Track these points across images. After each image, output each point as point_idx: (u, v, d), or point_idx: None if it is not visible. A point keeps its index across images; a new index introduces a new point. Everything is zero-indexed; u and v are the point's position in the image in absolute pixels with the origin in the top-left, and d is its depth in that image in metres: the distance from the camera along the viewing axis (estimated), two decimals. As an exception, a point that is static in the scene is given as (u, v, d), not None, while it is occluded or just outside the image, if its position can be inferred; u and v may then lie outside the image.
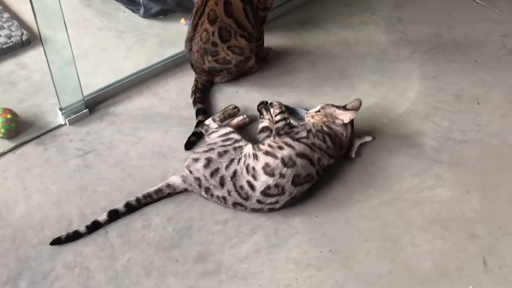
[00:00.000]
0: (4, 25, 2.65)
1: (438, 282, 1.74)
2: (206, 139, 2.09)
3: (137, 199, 1.92)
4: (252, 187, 1.86)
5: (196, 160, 1.95)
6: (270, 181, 1.86)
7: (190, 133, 2.18)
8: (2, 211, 1.92)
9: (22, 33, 2.62)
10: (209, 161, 1.92)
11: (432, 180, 2.04)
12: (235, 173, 1.89)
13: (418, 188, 2.01)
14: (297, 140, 1.95)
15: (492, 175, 2.06)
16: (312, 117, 2.05)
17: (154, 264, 1.78)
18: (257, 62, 2.48)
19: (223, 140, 2.01)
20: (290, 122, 2.07)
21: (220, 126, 2.09)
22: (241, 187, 1.87)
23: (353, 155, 2.10)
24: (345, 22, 2.81)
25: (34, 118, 2.25)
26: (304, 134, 1.98)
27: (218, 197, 1.90)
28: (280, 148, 1.91)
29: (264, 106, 2.22)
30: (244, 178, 1.87)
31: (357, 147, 2.10)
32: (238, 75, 2.44)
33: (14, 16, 2.76)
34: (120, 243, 1.83)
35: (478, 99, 2.38)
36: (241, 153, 1.94)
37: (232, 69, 2.38)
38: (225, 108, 2.24)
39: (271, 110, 2.13)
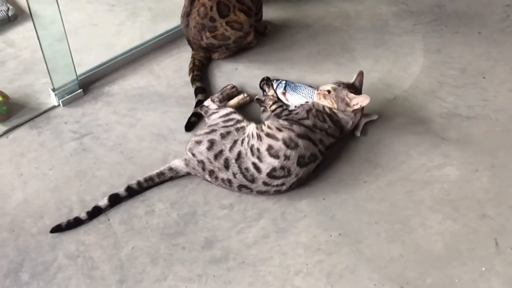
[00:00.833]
0: (-12, 0, 2.52)
1: (450, 264, 1.71)
2: (207, 120, 2.02)
3: (139, 183, 1.86)
4: (258, 169, 1.81)
5: (198, 142, 1.88)
6: (276, 163, 1.80)
7: (190, 113, 2.10)
8: (-2, 199, 1.84)
9: (8, 8, 2.49)
10: (212, 143, 1.86)
11: (440, 158, 1.99)
12: (239, 154, 1.83)
13: (426, 167, 1.97)
14: (297, 121, 1.89)
15: (500, 152, 2.02)
16: (324, 96, 1.96)
17: (160, 252, 1.72)
18: (256, 37, 2.40)
19: (224, 121, 1.94)
20: (286, 107, 2.01)
21: (220, 107, 2.02)
22: (247, 169, 1.82)
23: (359, 134, 2.04)
24: (344, -7, 2.72)
25: (26, 100, 2.16)
26: (304, 114, 1.92)
27: (223, 180, 1.84)
28: (279, 130, 1.85)
29: (266, 82, 2.15)
30: (249, 160, 1.82)
31: (362, 126, 2.04)
32: (237, 50, 2.35)
33: (-2, -10, 2.63)
34: (123, 231, 1.77)
35: (483, 73, 2.32)
36: (243, 133, 1.88)
37: (230, 45, 2.29)
38: (223, 88, 2.16)
39: (266, 100, 2.07)
